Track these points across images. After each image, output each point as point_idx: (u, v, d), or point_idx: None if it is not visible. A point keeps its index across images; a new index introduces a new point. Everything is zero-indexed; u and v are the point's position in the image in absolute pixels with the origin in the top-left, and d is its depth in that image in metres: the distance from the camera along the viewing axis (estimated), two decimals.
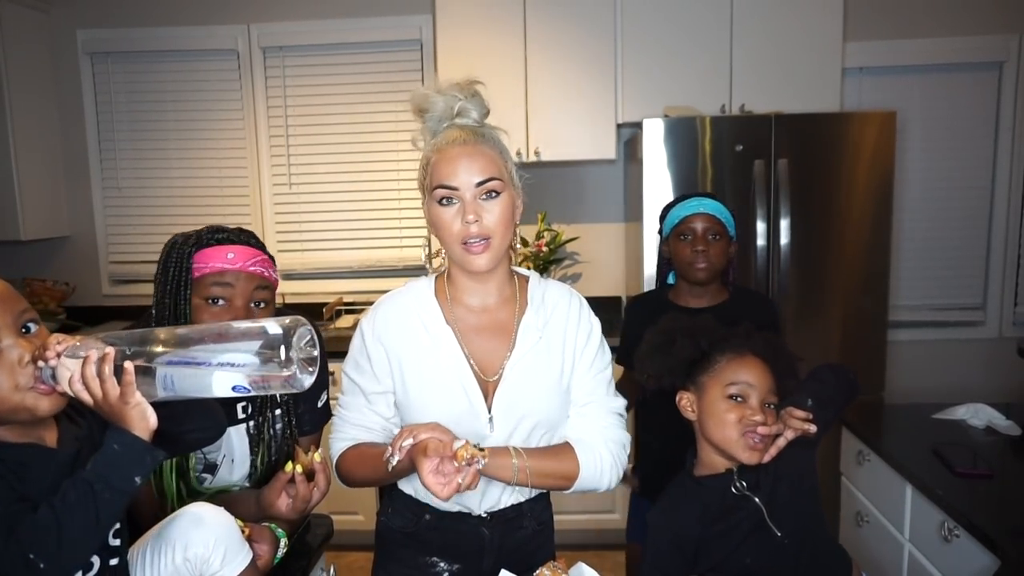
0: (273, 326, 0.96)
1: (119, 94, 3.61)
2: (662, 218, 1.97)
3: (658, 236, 2.01)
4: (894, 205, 2.86)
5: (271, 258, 1.46)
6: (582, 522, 2.67)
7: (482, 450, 1.13)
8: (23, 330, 0.98)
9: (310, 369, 0.97)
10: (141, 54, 3.56)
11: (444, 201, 1.22)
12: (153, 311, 1.39)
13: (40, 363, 0.96)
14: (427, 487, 1.10)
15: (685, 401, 1.38)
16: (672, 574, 1.33)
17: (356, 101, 3.55)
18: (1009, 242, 3.46)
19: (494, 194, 1.22)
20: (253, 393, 0.98)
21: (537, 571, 1.23)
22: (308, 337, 0.98)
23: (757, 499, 1.30)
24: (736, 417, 1.29)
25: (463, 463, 1.11)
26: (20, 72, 3.31)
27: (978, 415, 2.10)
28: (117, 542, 1.06)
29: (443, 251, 1.30)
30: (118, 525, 1.07)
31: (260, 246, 1.44)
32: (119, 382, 0.95)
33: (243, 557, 1.16)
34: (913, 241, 3.46)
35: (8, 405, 0.95)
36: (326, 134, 3.58)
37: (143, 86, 3.60)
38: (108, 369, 0.95)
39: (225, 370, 0.95)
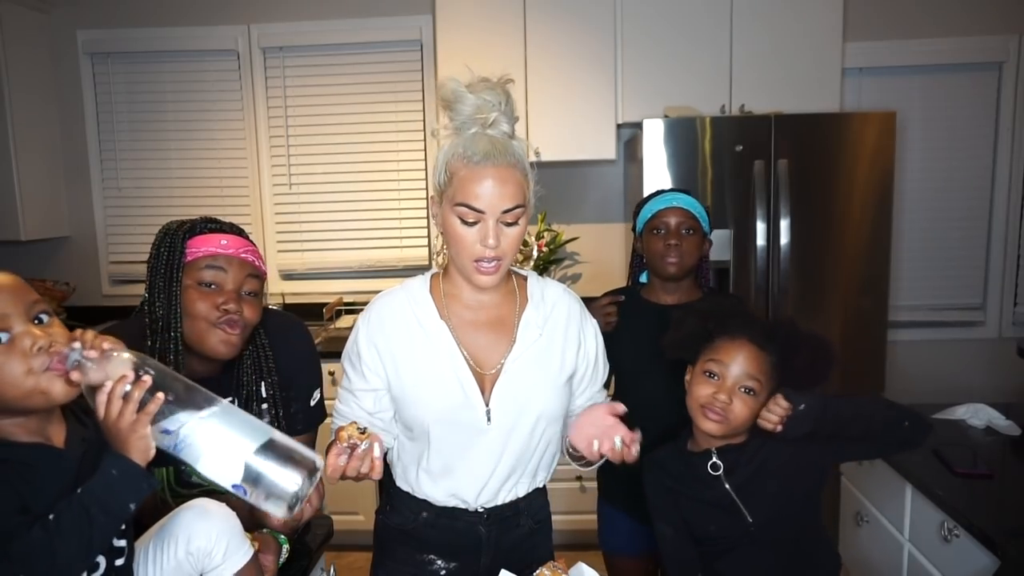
0: (309, 459, 1.00)
1: (119, 94, 3.61)
2: (635, 214, 1.94)
3: (632, 233, 1.99)
4: (894, 205, 2.86)
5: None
6: (582, 522, 2.68)
7: (363, 432, 1.13)
8: (35, 321, 0.98)
9: (292, 505, 0.99)
10: (141, 54, 3.56)
11: (466, 220, 1.21)
12: (146, 294, 1.39)
13: (75, 344, 0.95)
14: (327, 466, 1.12)
15: (688, 375, 1.47)
16: (660, 507, 1.48)
17: (356, 101, 3.55)
18: (1009, 242, 3.46)
19: (516, 221, 1.23)
20: (246, 498, 0.99)
21: (537, 571, 1.23)
22: (312, 487, 1.00)
23: (727, 484, 1.40)
24: (703, 392, 1.39)
25: (344, 444, 1.11)
26: (20, 72, 3.31)
27: (978, 415, 2.10)
28: (122, 543, 1.06)
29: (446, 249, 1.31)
30: (123, 526, 1.07)
31: (251, 241, 1.47)
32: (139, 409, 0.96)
33: (244, 552, 1.16)
34: (913, 241, 3.46)
35: (22, 390, 0.95)
36: (326, 134, 3.57)
37: (143, 86, 3.60)
38: (138, 395, 0.95)
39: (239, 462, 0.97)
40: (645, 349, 1.68)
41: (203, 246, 1.37)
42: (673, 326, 1.50)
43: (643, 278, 1.96)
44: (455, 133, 1.24)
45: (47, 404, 0.98)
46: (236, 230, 1.44)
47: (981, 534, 1.54)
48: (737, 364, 1.37)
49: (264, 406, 1.48)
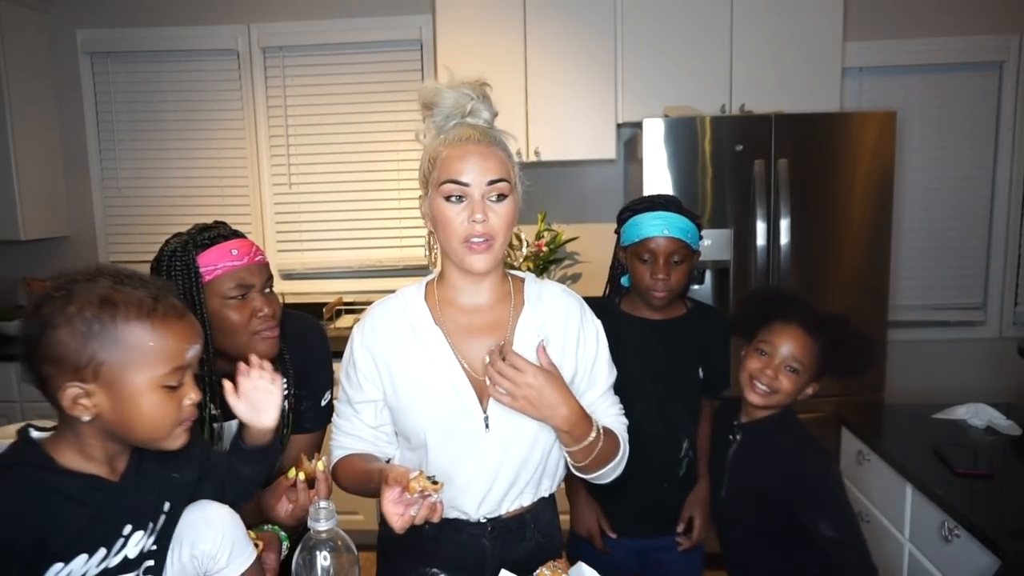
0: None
1: (119, 94, 3.60)
2: (620, 221, 1.77)
3: (615, 235, 1.81)
4: (894, 205, 2.86)
5: None
6: None
7: (436, 483, 1.09)
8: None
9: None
10: (141, 54, 3.56)
11: (452, 198, 1.20)
12: None
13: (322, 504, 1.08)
14: (385, 516, 1.09)
15: (744, 352, 1.58)
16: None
17: (356, 101, 3.55)
18: (1009, 242, 3.46)
19: (502, 196, 1.21)
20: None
21: (537, 571, 1.23)
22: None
23: (729, 452, 1.58)
24: (754, 365, 1.52)
25: (414, 495, 1.08)
26: (20, 72, 3.31)
27: (978, 415, 2.10)
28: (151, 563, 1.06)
29: (438, 250, 1.29)
30: (155, 546, 1.06)
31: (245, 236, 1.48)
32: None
33: (248, 555, 1.15)
34: (913, 241, 3.46)
35: (158, 433, 0.99)
36: (326, 134, 3.57)
37: (143, 86, 3.59)
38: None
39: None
40: (635, 368, 1.57)
41: (218, 262, 1.36)
42: (738, 306, 1.65)
43: (624, 280, 1.81)
44: (438, 131, 1.26)
45: (158, 448, 1.02)
46: (236, 233, 1.43)
47: (981, 534, 1.54)
48: (786, 345, 1.49)
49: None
